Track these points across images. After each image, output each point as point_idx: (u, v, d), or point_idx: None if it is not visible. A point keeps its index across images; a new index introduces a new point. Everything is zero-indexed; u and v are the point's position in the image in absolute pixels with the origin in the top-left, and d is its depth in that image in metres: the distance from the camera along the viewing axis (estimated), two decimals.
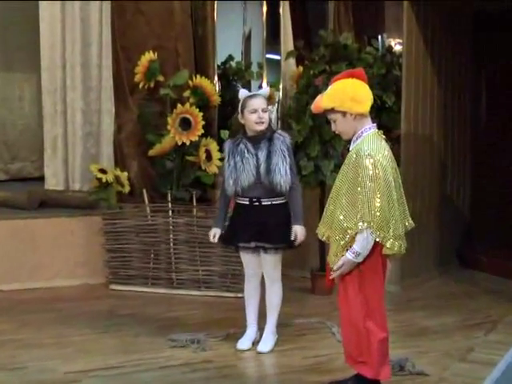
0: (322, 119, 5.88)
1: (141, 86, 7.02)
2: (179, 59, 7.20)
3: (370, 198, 3.79)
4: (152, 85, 6.99)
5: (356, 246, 3.90)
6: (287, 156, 4.78)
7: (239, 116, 4.90)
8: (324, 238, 4.12)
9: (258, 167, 4.80)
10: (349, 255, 3.92)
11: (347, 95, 3.90)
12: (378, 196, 3.76)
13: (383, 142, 3.98)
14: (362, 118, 3.95)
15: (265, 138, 4.83)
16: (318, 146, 6.41)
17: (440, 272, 7.51)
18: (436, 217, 7.42)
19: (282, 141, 4.82)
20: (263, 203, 4.87)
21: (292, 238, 4.83)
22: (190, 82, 6.90)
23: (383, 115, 6.72)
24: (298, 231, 4.84)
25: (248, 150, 4.80)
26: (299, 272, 7.17)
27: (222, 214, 5.05)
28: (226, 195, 4.97)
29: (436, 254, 7.42)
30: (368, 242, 3.88)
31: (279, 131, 4.95)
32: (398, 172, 4.06)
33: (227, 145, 4.92)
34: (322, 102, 3.96)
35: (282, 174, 4.74)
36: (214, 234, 5.01)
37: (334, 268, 3.96)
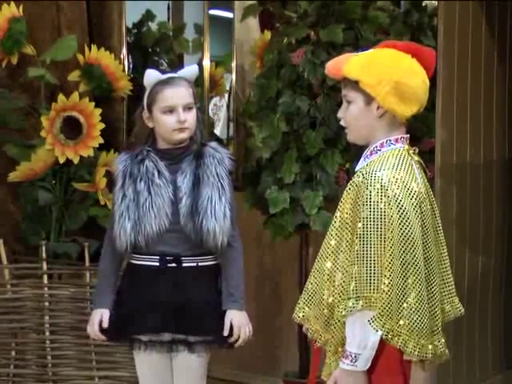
0: (305, 120, 5.04)
1: None
2: (61, 17, 6.16)
3: (370, 259, 3.01)
4: (14, 61, 5.74)
5: (349, 344, 3.06)
6: (226, 186, 4.06)
7: (144, 114, 4.06)
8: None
9: (176, 203, 4.06)
10: (342, 364, 3.08)
11: (389, 75, 3.14)
12: (389, 257, 2.97)
13: (413, 169, 3.18)
14: (393, 123, 3.16)
15: (189, 153, 4.09)
16: (297, 165, 5.30)
17: (505, 379, 6.07)
18: (496, 292, 5.91)
19: (220, 160, 4.10)
20: (184, 265, 4.08)
21: (225, 333, 3.98)
22: (81, 57, 5.72)
23: None
24: (236, 320, 4.02)
25: (160, 173, 4.06)
26: (266, 380, 6.15)
27: (110, 283, 4.14)
28: (114, 252, 4.09)
29: (498, 352, 5.98)
30: (367, 332, 3.01)
31: (213, 144, 4.17)
32: (437, 219, 3.31)
33: (121, 161, 4.11)
34: (345, 64, 3.25)
35: (219, 216, 4.02)
36: (101, 317, 4.04)
37: None
